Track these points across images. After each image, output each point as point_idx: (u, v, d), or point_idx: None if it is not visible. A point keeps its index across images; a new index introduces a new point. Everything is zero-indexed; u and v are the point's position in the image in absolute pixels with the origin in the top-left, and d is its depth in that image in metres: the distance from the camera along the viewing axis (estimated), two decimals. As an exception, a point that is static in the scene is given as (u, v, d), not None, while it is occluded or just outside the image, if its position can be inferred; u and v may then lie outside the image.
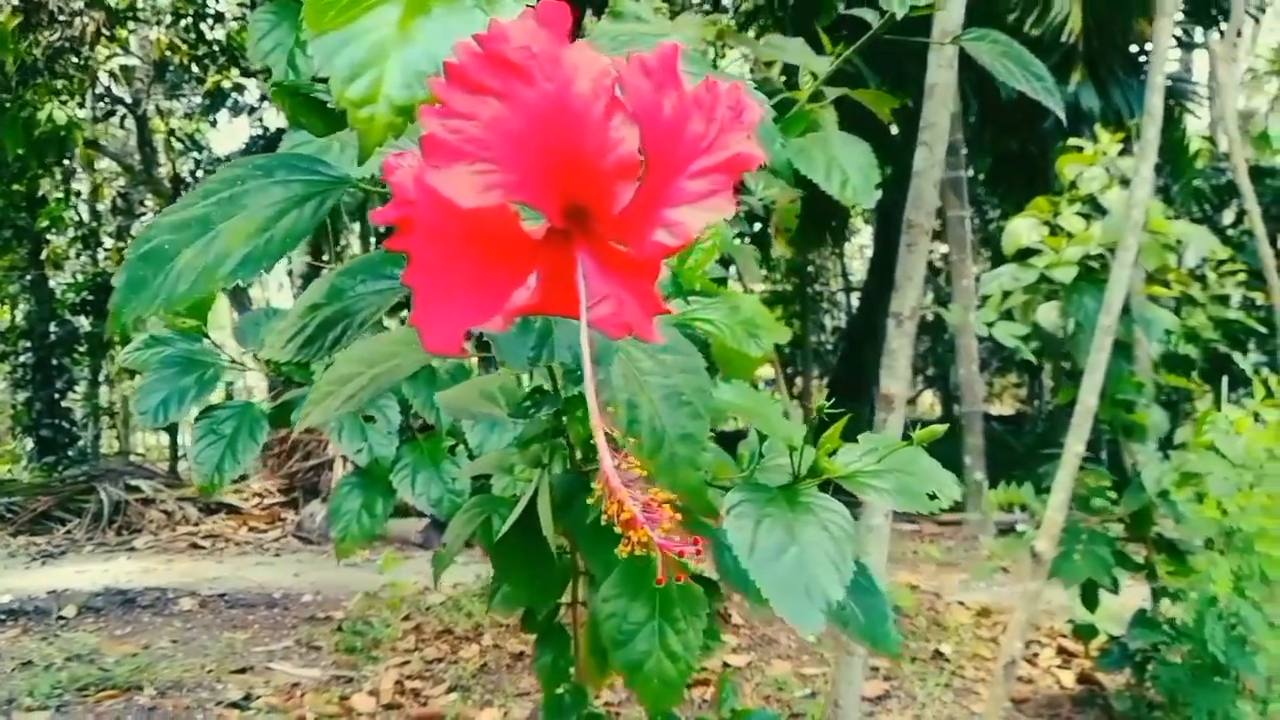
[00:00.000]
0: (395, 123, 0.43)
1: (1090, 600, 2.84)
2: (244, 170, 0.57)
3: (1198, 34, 8.19)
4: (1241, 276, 3.12)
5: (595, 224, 0.41)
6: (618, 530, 0.40)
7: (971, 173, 8.33)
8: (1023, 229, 2.65)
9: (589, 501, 0.90)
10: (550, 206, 0.40)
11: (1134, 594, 3.03)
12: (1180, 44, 8.56)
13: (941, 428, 0.74)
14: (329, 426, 1.62)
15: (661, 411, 0.63)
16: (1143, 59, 7.37)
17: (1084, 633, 3.03)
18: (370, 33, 0.45)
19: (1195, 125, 9.58)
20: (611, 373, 0.62)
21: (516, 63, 0.37)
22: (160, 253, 0.53)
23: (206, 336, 1.58)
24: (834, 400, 0.81)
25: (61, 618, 4.22)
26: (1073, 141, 3.26)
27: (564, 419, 0.83)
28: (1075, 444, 2.52)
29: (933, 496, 0.78)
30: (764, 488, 0.72)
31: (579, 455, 0.97)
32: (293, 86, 0.57)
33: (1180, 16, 7.32)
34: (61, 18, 6.11)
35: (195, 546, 6.25)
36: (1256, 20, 9.98)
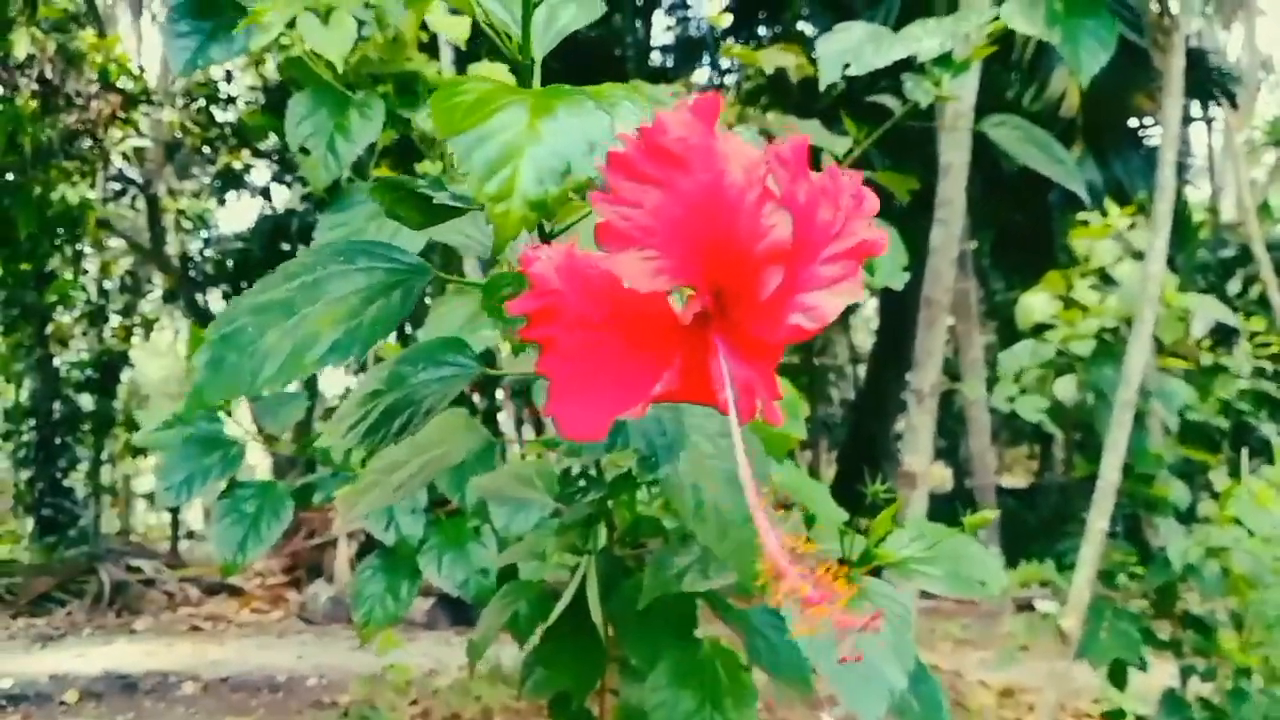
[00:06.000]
0: (529, 217, 0.45)
1: (1119, 680, 2.77)
2: (323, 256, 0.58)
3: (1194, 108, 8.34)
4: (1276, 349, 3.10)
5: (734, 309, 0.42)
6: (799, 609, 0.39)
7: (975, 245, 8.40)
8: (1037, 303, 2.65)
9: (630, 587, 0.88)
10: (703, 291, 0.41)
11: (1161, 672, 2.95)
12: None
13: (993, 514, 0.74)
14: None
15: (724, 496, 0.62)
16: (1141, 132, 7.48)
17: (1113, 716, 2.94)
18: (503, 132, 0.47)
19: (1196, 197, 9.72)
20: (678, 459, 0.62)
21: (675, 153, 0.38)
22: (242, 334, 0.53)
23: (229, 415, 1.58)
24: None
25: (63, 703, 4.13)
26: (1077, 215, 3.29)
27: (609, 504, 0.82)
28: (1099, 520, 2.49)
29: (983, 584, 0.77)
30: (821, 573, 0.71)
31: (616, 539, 0.96)
32: (393, 180, 0.59)
33: (1178, 93, 7.46)
34: (79, 101, 6.24)
35: (196, 629, 6.14)
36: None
